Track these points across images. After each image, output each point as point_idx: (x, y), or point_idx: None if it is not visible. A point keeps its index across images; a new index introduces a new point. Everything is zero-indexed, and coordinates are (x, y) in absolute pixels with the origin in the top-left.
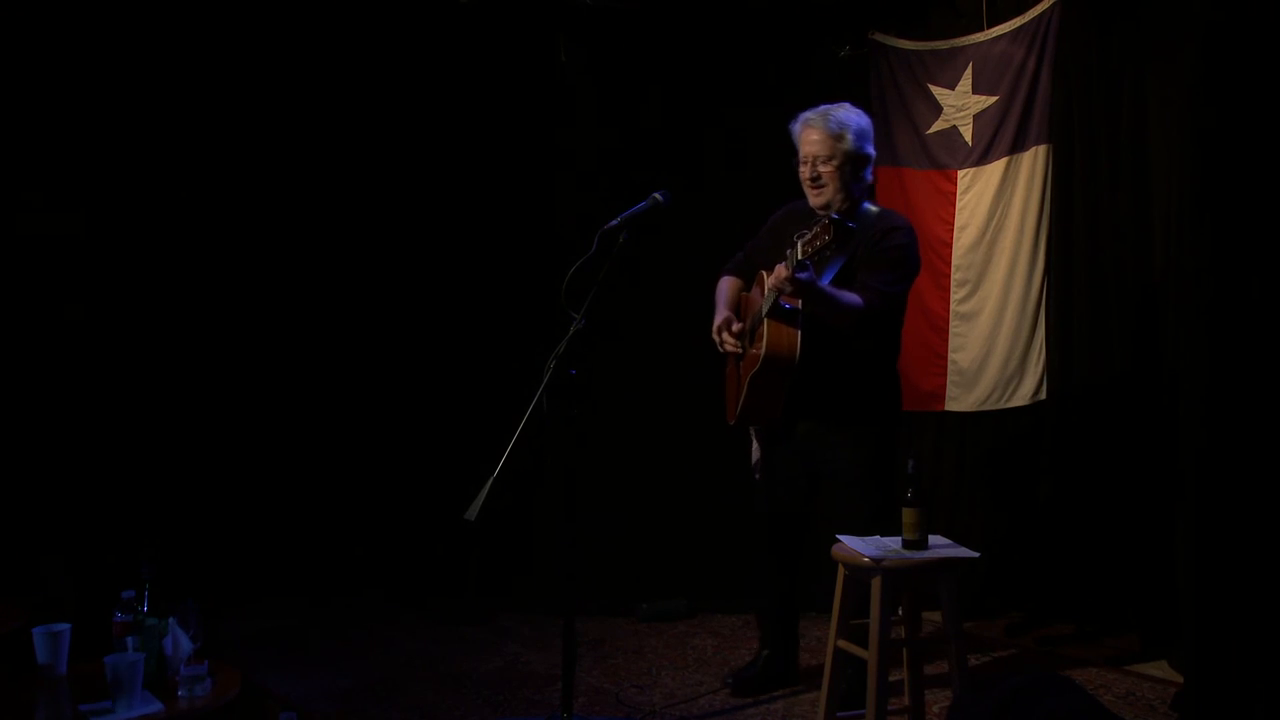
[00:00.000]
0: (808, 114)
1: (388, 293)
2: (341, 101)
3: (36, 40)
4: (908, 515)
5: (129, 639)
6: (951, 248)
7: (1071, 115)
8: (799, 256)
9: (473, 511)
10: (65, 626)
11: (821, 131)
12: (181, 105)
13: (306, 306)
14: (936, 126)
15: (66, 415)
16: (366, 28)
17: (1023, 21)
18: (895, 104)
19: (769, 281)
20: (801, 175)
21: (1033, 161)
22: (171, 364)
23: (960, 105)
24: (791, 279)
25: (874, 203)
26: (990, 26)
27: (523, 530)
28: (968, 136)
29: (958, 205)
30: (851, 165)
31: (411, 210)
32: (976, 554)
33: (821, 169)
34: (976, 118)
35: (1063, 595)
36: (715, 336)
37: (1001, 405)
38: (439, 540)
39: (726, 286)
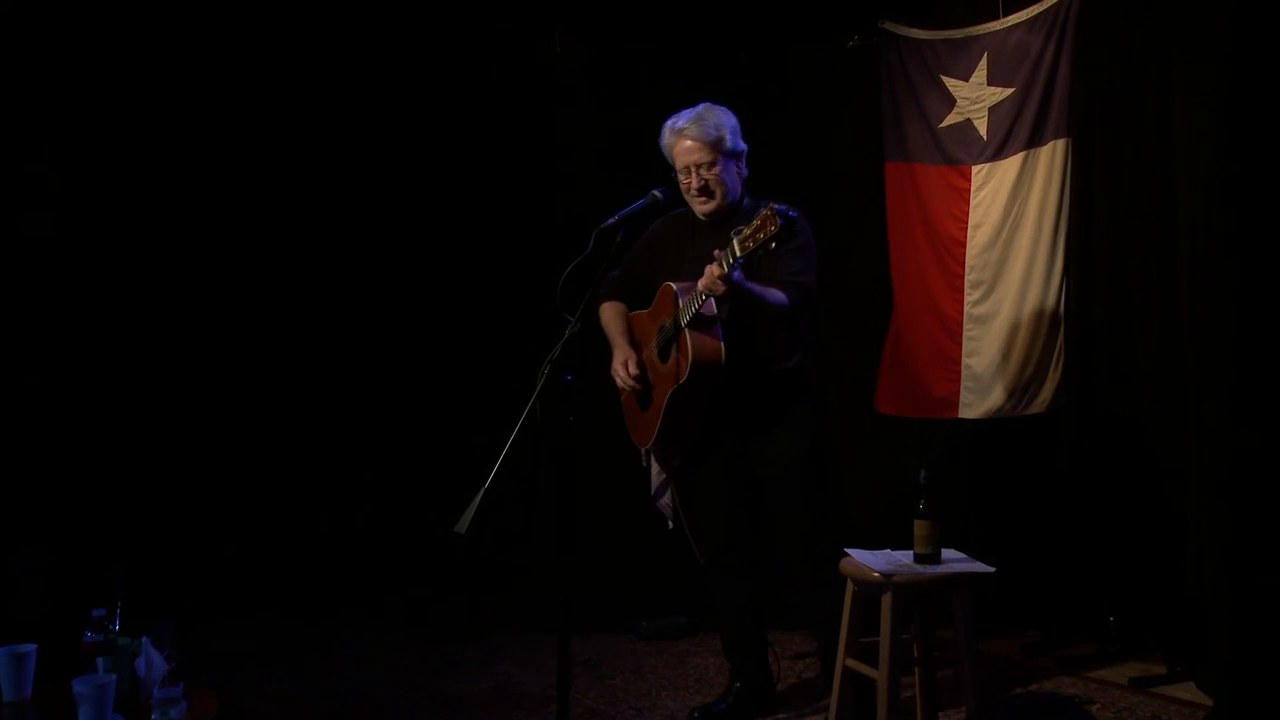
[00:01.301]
0: (677, 122)
1: (374, 296)
2: (328, 93)
3: (32, 39)
4: (920, 528)
5: (100, 660)
6: (965, 247)
7: (1092, 107)
8: (736, 254)
9: (463, 524)
10: (31, 647)
11: (698, 138)
12: (163, 96)
13: (289, 310)
14: (950, 120)
15: (35, 422)
16: (356, 19)
17: (1041, 9)
18: (906, 96)
19: (701, 283)
20: (685, 186)
21: (1051, 156)
22: (148, 369)
23: (975, 97)
24: (726, 277)
25: (749, 194)
26: (1006, 14)
27: (515, 544)
28: (982, 130)
29: (972, 202)
30: (734, 164)
31: (400, 209)
32: (992, 569)
33: (707, 176)
34: (992, 110)
35: (1083, 613)
36: (617, 374)
37: (1018, 412)
38: (428, 554)
39: (612, 314)
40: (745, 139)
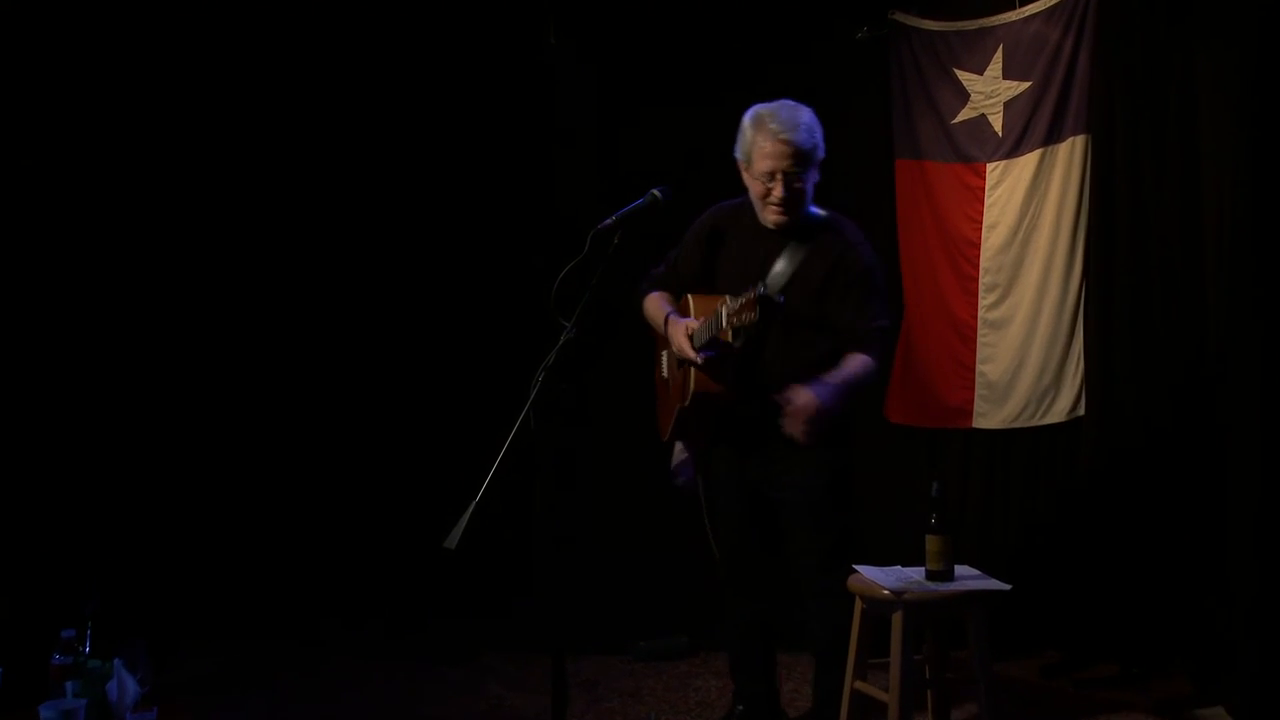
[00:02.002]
0: (768, 120)
1: (360, 301)
2: (315, 88)
3: (30, 39)
4: (932, 543)
5: (68, 684)
6: (979, 249)
7: (1113, 102)
8: (730, 340)
9: (453, 540)
10: None
11: (794, 143)
12: (147, 88)
13: (270, 316)
14: (963, 115)
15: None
16: (341, 10)
17: None
18: (917, 91)
19: (796, 404)
20: (766, 193)
21: (1070, 153)
22: (121, 379)
23: (989, 92)
24: (817, 406)
25: (817, 204)
26: (1023, 4)
27: (508, 560)
28: (998, 126)
29: (986, 202)
30: (815, 174)
31: (387, 209)
32: (1008, 586)
33: (796, 186)
34: (1007, 105)
35: (1105, 632)
36: (683, 351)
37: (1035, 422)
38: (416, 570)
39: (656, 302)
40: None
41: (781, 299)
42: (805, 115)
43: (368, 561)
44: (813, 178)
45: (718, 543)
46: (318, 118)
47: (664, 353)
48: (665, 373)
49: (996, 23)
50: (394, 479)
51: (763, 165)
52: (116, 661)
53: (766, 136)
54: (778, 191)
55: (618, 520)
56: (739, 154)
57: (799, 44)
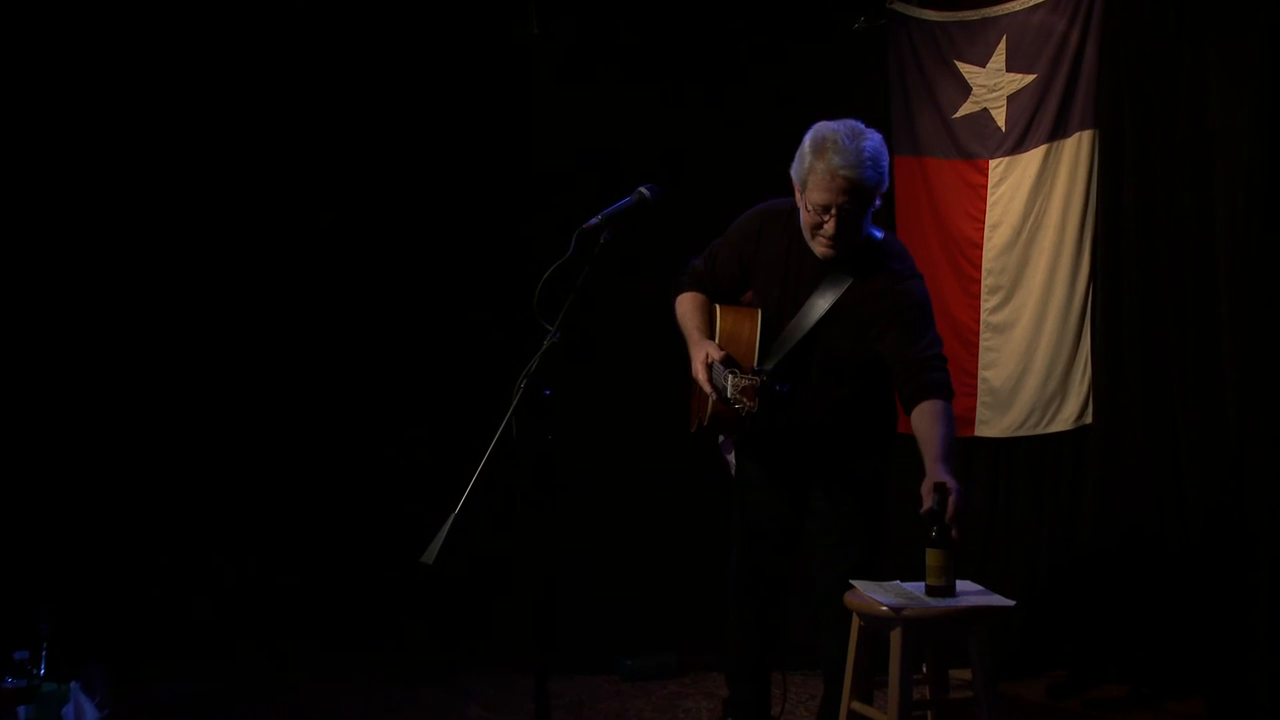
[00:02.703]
0: (833, 153)
1: (332, 303)
2: (285, 83)
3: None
4: (932, 557)
5: (21, 709)
6: (981, 249)
7: (1121, 96)
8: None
9: (430, 554)
10: None
11: (857, 179)
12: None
13: (236, 320)
14: (965, 110)
15: None
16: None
17: None
18: (917, 84)
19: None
20: (817, 224)
21: (1076, 149)
22: (78, 388)
23: (992, 85)
24: (958, 495)
25: (876, 226)
26: None
27: (488, 575)
28: (1001, 121)
29: (989, 200)
30: (873, 207)
31: (359, 208)
32: (1012, 602)
33: (848, 225)
34: (1011, 99)
35: (1114, 650)
36: (697, 375)
37: (1040, 430)
38: (392, 587)
39: (691, 305)
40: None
41: (785, 388)
42: (871, 144)
43: (340, 577)
44: (872, 207)
45: (737, 537)
46: (287, 114)
47: None
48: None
49: (999, 13)
50: (368, 490)
51: (817, 197)
52: (73, 684)
53: (825, 167)
54: (829, 227)
55: (604, 533)
56: (794, 174)
57: (793, 35)
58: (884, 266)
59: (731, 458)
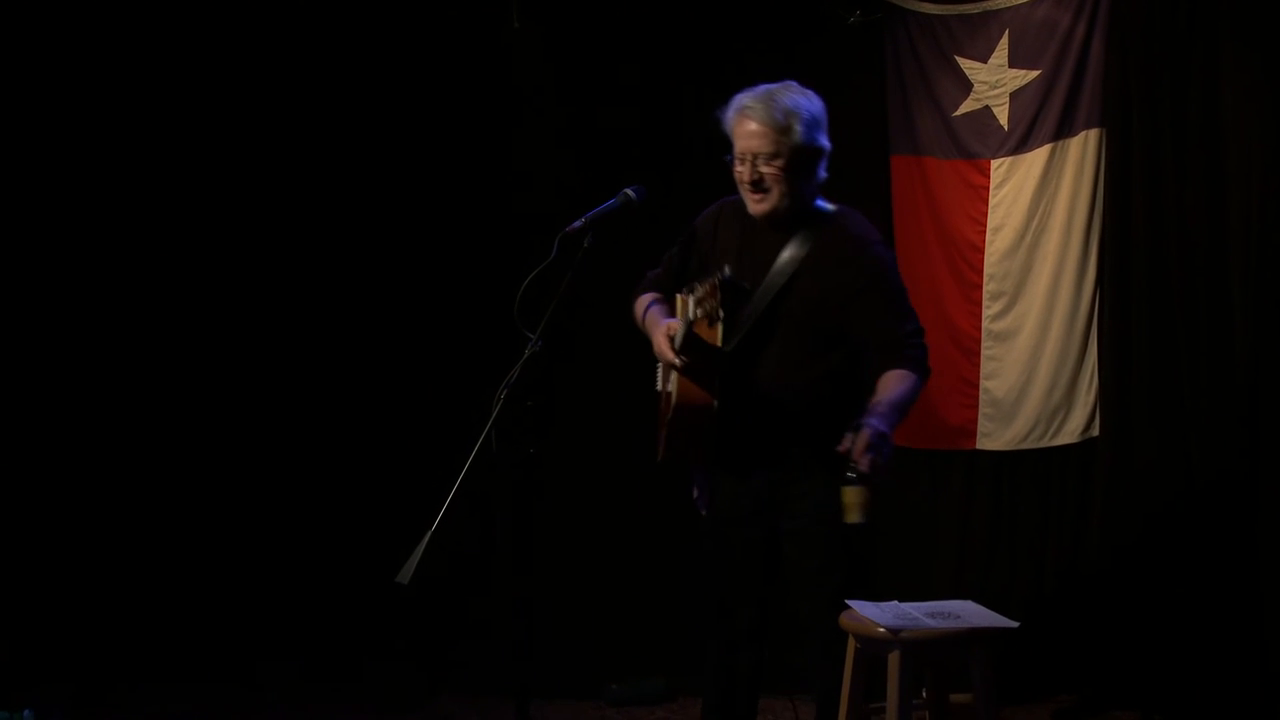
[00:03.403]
0: (744, 98)
1: (303, 309)
2: (257, 75)
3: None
4: (845, 494)
5: None
6: (983, 253)
7: (1129, 92)
8: (708, 338)
9: (406, 574)
10: None
11: (763, 122)
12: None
13: (206, 326)
14: (965, 107)
15: None
16: None
17: None
18: (915, 81)
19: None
20: (739, 177)
21: (1082, 149)
22: (46, 397)
23: (994, 81)
24: (875, 433)
25: (827, 200)
26: None
27: (468, 595)
28: (1003, 119)
29: (991, 202)
30: (801, 162)
31: (331, 211)
32: (1016, 624)
33: (764, 169)
34: (1014, 96)
35: (1123, 675)
36: (663, 354)
37: (1045, 443)
38: (367, 607)
39: (649, 302)
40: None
41: (746, 285)
42: (786, 94)
43: (314, 597)
44: (798, 165)
45: (707, 580)
46: (260, 112)
47: (660, 365)
48: (660, 384)
49: (1001, 6)
50: (342, 506)
51: (735, 146)
52: (26, 714)
53: (736, 114)
54: (745, 173)
55: (588, 551)
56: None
57: (785, 29)
58: (845, 233)
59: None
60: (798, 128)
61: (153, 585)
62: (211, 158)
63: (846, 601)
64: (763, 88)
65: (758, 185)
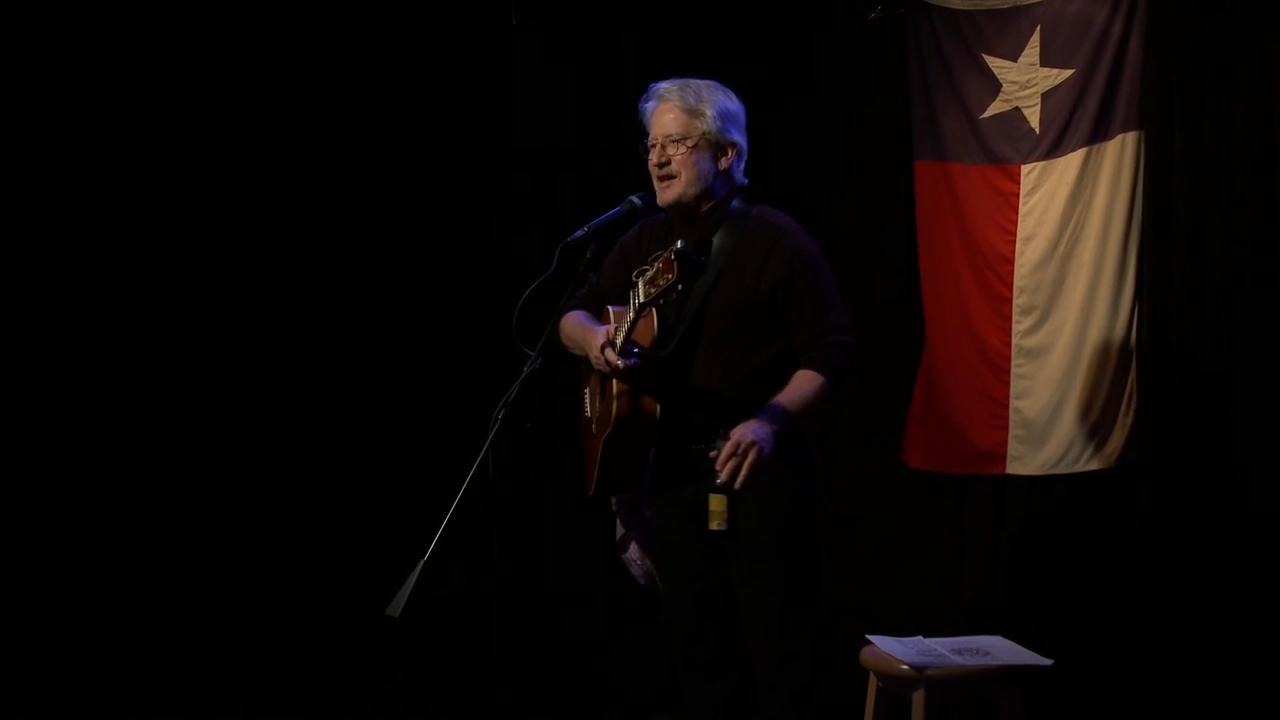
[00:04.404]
0: (660, 84)
1: (287, 321)
2: (241, 72)
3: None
4: (714, 503)
5: None
6: (1013, 265)
7: (1170, 94)
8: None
9: (396, 606)
10: None
11: (674, 103)
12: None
13: (179, 330)
14: (994, 109)
15: None
16: None
17: None
18: (940, 80)
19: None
20: (649, 164)
21: (1119, 153)
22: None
23: (1025, 81)
24: (748, 444)
25: (744, 200)
26: None
27: (462, 629)
28: (1034, 122)
29: (1021, 210)
30: (711, 150)
31: (317, 219)
32: (1049, 661)
33: (672, 152)
34: (1046, 97)
35: (1164, 716)
36: (598, 361)
37: (1080, 468)
38: (351, 642)
39: (574, 320)
40: (751, 133)
41: (703, 258)
42: (703, 84)
43: (296, 630)
44: (707, 155)
45: (667, 613)
46: (249, 109)
47: (586, 390)
48: (588, 410)
49: (1033, 0)
50: (327, 531)
51: (650, 132)
52: None
53: (650, 99)
54: (653, 157)
55: (588, 581)
56: None
57: (801, 26)
58: (763, 223)
59: (638, 570)
60: (709, 112)
61: (124, 617)
62: (207, 158)
63: (868, 637)
64: (682, 79)
65: (663, 168)
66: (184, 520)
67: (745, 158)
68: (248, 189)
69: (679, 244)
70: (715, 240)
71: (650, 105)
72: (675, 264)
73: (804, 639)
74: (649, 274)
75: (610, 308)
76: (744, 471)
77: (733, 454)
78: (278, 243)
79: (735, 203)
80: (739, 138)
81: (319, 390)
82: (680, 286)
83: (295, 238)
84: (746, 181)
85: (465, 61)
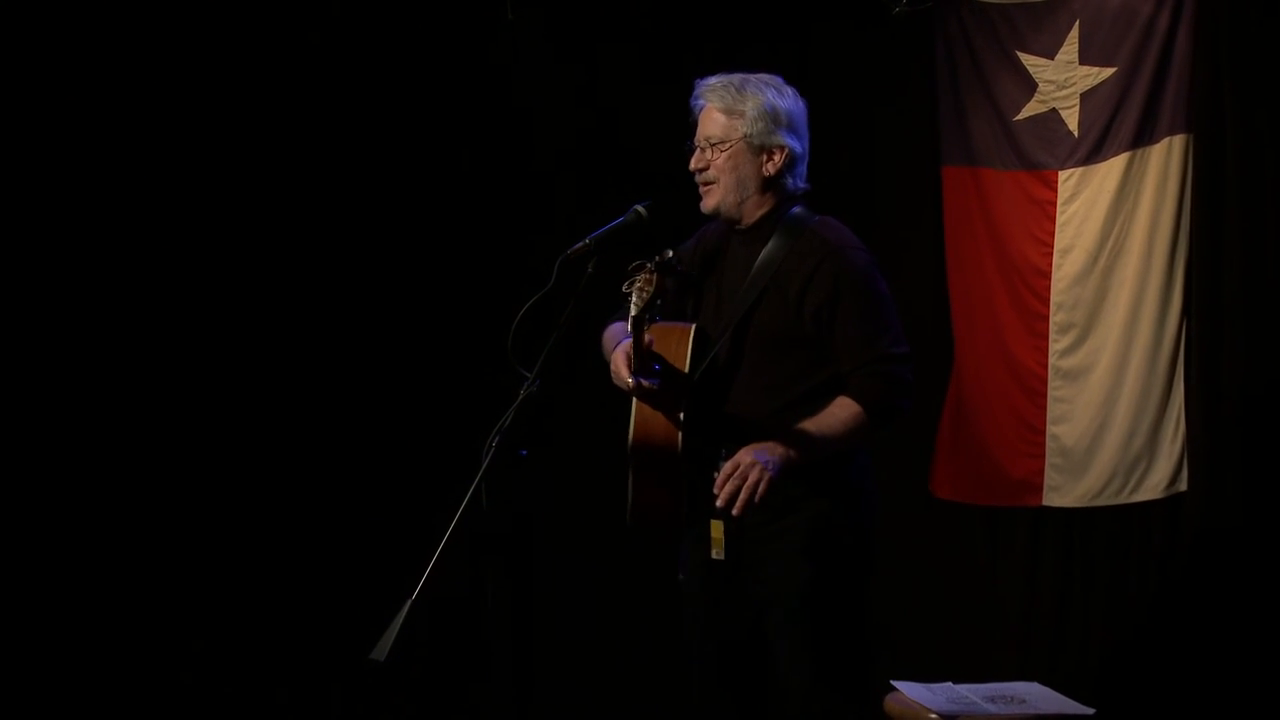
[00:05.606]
0: (705, 80)
1: (267, 338)
2: (233, 73)
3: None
4: (715, 529)
5: None
6: (1050, 278)
7: (1221, 93)
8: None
9: (382, 649)
10: None
11: (715, 103)
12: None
13: (146, 337)
14: (1029, 110)
15: None
16: None
17: None
18: (970, 80)
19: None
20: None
21: (1165, 158)
22: None
23: (1062, 80)
24: (749, 467)
25: (806, 208)
26: None
27: (453, 674)
28: (1073, 124)
29: (1059, 220)
30: (753, 154)
31: (299, 230)
32: (1091, 710)
33: (711, 157)
34: (1085, 98)
35: None
36: (615, 373)
37: (1124, 499)
38: (336, 686)
39: (614, 332)
40: None
41: (683, 267)
42: (749, 82)
43: (275, 671)
44: (750, 158)
45: (690, 671)
46: (249, 111)
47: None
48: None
49: None
50: (309, 568)
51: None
52: None
53: (697, 96)
54: (692, 163)
55: (589, 610)
56: None
57: (821, 22)
58: (817, 237)
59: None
60: (750, 113)
61: (104, 650)
62: (203, 157)
63: (893, 683)
64: (735, 74)
65: (701, 174)
66: (168, 540)
67: (804, 160)
68: (246, 192)
69: (668, 254)
70: (763, 252)
71: (698, 104)
72: (654, 275)
73: (836, 697)
74: (637, 283)
75: (650, 328)
76: (743, 495)
77: (728, 475)
78: (272, 249)
79: (796, 209)
80: (789, 139)
81: (318, 423)
82: (659, 302)
83: (290, 242)
84: (807, 187)
85: (465, 60)
